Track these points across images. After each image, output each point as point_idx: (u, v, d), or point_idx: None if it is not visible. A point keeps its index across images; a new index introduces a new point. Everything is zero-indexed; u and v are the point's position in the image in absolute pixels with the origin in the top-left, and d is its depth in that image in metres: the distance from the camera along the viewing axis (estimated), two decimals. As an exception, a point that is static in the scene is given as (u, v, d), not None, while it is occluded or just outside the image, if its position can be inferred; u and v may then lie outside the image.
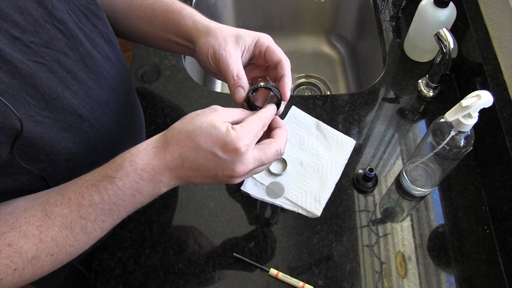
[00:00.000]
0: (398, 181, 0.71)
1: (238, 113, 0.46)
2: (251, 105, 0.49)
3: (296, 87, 1.11)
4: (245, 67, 0.52)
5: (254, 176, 0.70)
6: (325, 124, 0.76)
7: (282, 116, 0.76)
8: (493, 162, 0.67)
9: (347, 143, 0.74)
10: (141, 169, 0.43)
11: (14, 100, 0.38)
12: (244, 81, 0.48)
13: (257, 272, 0.63)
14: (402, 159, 0.74)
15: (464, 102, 0.50)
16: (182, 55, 0.86)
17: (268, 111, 0.48)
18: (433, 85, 0.77)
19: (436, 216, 0.68)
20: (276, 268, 0.62)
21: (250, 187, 0.69)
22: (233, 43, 0.50)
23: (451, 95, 0.81)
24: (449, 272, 0.63)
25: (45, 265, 0.43)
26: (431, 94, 0.79)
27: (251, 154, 0.44)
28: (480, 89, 0.51)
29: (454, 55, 0.70)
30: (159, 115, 0.78)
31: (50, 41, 0.42)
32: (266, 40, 0.51)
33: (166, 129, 0.45)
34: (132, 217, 0.67)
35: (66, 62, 0.45)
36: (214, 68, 0.51)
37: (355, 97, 0.81)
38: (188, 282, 0.62)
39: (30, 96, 0.40)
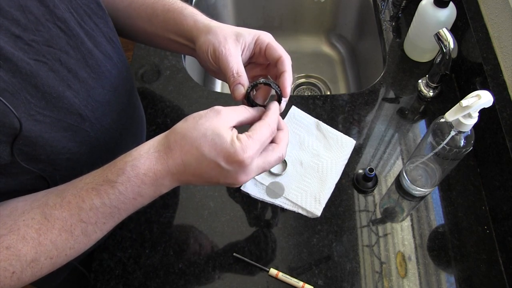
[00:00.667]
0: (398, 181, 0.71)
1: (241, 112, 0.46)
2: (251, 103, 0.49)
3: (296, 87, 1.11)
4: (245, 66, 0.51)
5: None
6: (325, 124, 0.76)
7: (282, 116, 0.76)
8: (493, 162, 0.68)
9: (347, 143, 0.74)
10: (143, 173, 0.42)
11: (14, 98, 0.38)
12: (244, 78, 0.48)
13: (257, 272, 0.63)
14: (402, 159, 0.74)
15: (464, 102, 0.50)
16: (182, 55, 0.86)
17: (274, 114, 0.47)
18: (433, 85, 0.77)
19: (436, 216, 0.68)
20: (276, 268, 0.62)
21: (250, 187, 0.69)
22: (233, 41, 0.50)
23: (451, 95, 0.81)
24: (449, 272, 0.63)
25: (44, 268, 0.42)
26: (431, 94, 0.79)
27: (255, 164, 0.44)
28: (480, 89, 0.51)
29: (454, 55, 0.70)
30: (159, 115, 0.78)
31: (52, 40, 0.42)
32: (267, 37, 0.51)
33: (168, 130, 0.44)
34: (132, 217, 0.67)
35: (68, 61, 0.44)
36: (214, 66, 0.51)
37: (355, 97, 0.81)
38: (188, 282, 0.62)
39: (31, 95, 0.40)
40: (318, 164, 0.72)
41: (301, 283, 0.61)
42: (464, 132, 0.56)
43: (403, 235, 0.66)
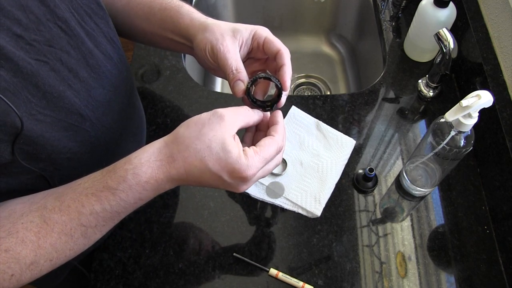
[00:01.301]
0: (398, 181, 0.71)
1: (244, 115, 0.46)
2: (251, 99, 0.49)
3: (296, 87, 1.11)
4: (244, 61, 0.51)
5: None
6: (325, 124, 0.76)
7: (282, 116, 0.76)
8: (493, 162, 0.68)
9: (347, 143, 0.74)
10: (145, 181, 0.42)
11: (15, 98, 0.38)
12: (243, 75, 0.48)
13: (257, 272, 0.63)
14: (402, 159, 0.74)
15: (464, 102, 0.50)
16: (182, 55, 0.86)
17: (283, 129, 0.47)
18: (433, 85, 0.77)
19: (436, 216, 0.68)
20: (276, 268, 0.62)
21: (250, 187, 0.69)
22: (230, 37, 0.50)
23: (451, 95, 0.81)
24: (449, 272, 0.63)
25: (44, 269, 0.43)
26: (431, 94, 0.79)
27: (256, 176, 0.45)
28: (480, 89, 0.51)
29: (454, 55, 0.70)
30: (159, 115, 0.78)
31: (52, 40, 0.42)
32: (264, 31, 0.51)
33: (168, 134, 0.44)
34: (132, 217, 0.67)
35: (68, 60, 0.44)
36: (213, 64, 0.51)
37: (355, 97, 0.81)
38: (188, 282, 0.62)
39: (32, 94, 0.40)
40: (318, 164, 0.72)
41: (301, 283, 0.61)
42: (464, 132, 0.56)
43: (403, 235, 0.66)
